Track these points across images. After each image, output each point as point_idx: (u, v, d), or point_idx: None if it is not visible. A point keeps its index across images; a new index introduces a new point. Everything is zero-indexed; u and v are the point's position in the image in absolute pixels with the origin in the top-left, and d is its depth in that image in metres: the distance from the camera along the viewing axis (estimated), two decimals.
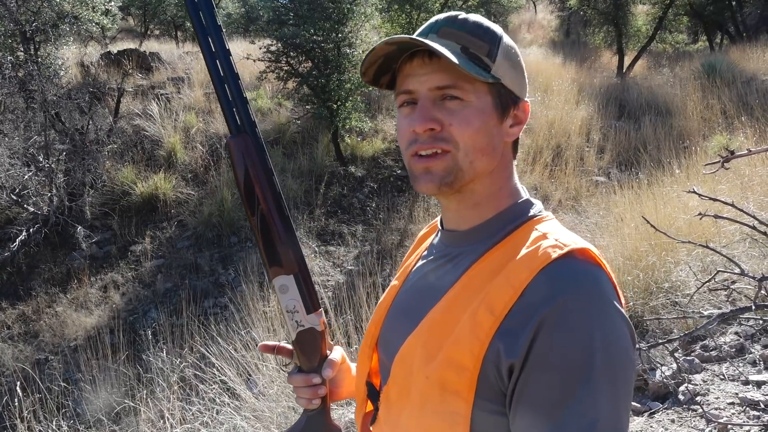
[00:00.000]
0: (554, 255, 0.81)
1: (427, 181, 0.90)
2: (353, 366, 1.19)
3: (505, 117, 0.91)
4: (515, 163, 0.99)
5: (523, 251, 0.84)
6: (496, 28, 0.92)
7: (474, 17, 0.91)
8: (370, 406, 1.05)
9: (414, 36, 0.89)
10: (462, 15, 0.91)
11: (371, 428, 1.02)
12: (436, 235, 1.05)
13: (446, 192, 0.91)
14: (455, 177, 0.89)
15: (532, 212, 0.93)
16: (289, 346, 1.14)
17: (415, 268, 1.05)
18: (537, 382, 0.76)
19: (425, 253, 1.06)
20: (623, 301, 0.84)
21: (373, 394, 1.02)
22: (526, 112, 0.95)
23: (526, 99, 0.95)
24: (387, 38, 0.87)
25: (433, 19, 0.92)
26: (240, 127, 1.00)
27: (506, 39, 0.92)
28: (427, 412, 0.86)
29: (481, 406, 0.81)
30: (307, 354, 1.10)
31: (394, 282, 1.09)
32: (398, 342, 0.94)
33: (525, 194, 0.97)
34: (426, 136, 0.88)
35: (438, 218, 1.08)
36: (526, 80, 0.96)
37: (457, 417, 0.82)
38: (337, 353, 1.14)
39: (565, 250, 0.82)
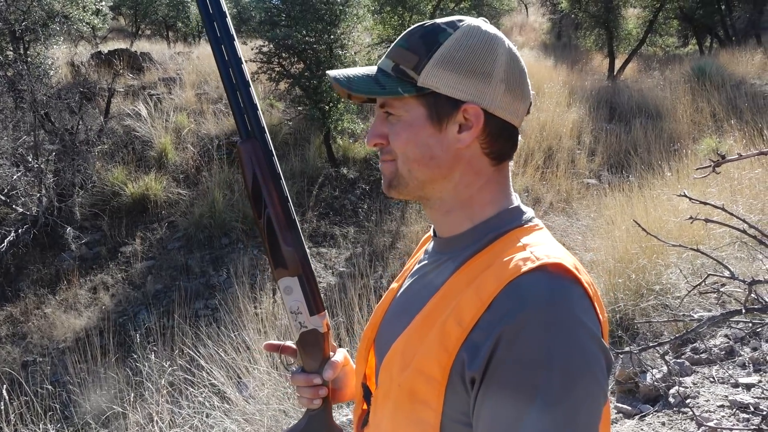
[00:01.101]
0: (524, 268, 0.79)
1: (383, 183, 0.98)
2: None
3: (443, 125, 0.89)
4: (511, 169, 0.97)
5: (497, 262, 0.83)
6: (444, 35, 0.89)
7: (430, 24, 0.92)
8: (365, 407, 1.06)
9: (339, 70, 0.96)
10: (418, 26, 0.93)
11: (363, 430, 1.03)
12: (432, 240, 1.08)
13: (395, 194, 0.97)
14: (398, 181, 0.94)
15: (517, 222, 0.92)
16: (294, 346, 1.16)
17: (412, 271, 1.07)
18: (493, 398, 0.75)
19: (422, 257, 1.07)
20: (602, 318, 0.81)
21: (368, 396, 1.04)
22: (475, 115, 0.89)
23: (473, 103, 0.89)
24: (330, 72, 0.94)
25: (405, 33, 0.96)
26: (250, 132, 1.03)
27: (455, 44, 0.89)
28: (399, 419, 0.87)
29: (451, 416, 0.82)
30: (310, 355, 1.12)
31: (393, 285, 1.11)
32: (388, 346, 0.95)
33: (515, 202, 0.96)
34: (377, 149, 0.96)
35: None
36: (483, 84, 0.89)
37: (426, 426, 0.83)
38: (339, 355, 1.16)
39: (537, 263, 0.79)
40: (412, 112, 0.91)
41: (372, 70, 0.94)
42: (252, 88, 1.02)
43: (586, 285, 0.81)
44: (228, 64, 1.01)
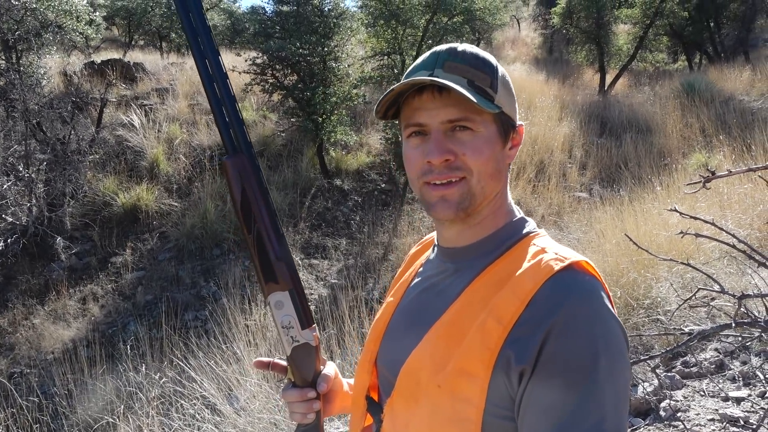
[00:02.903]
0: (557, 267, 0.87)
1: (444, 208, 0.95)
2: (345, 381, 1.22)
3: (506, 141, 0.98)
4: (509, 180, 1.05)
5: (525, 264, 0.90)
6: (492, 59, 0.98)
7: (470, 48, 0.97)
8: (369, 420, 1.07)
9: (418, 72, 0.95)
10: (460, 47, 0.96)
11: None
12: (433, 251, 1.10)
13: (462, 217, 0.96)
14: (470, 202, 0.95)
15: (527, 229, 1.00)
16: (284, 363, 1.16)
17: (412, 284, 1.09)
18: (546, 386, 0.81)
19: (421, 269, 1.09)
20: (615, 308, 0.90)
21: (374, 407, 1.05)
22: (521, 134, 1.02)
23: (520, 123, 1.02)
24: (406, 79, 0.93)
25: (433, 52, 0.97)
26: (236, 147, 1.02)
27: (500, 68, 0.98)
28: (438, 420, 0.89)
29: (491, 412, 0.86)
30: (302, 369, 1.12)
31: (389, 299, 1.12)
32: (402, 355, 0.97)
33: (519, 213, 1.04)
34: (442, 167, 0.94)
35: (430, 236, 1.15)
36: (517, 105, 1.02)
37: (468, 424, 0.86)
38: (330, 368, 1.17)
39: (566, 263, 0.88)
40: (489, 128, 0.95)
41: (455, 81, 0.92)
42: (237, 104, 1.02)
43: (602, 280, 0.90)
44: (213, 78, 1.00)
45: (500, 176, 0.98)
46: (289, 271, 1.05)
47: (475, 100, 0.89)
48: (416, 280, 1.08)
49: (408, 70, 0.99)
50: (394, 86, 0.94)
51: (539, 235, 0.98)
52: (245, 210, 1.02)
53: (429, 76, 0.92)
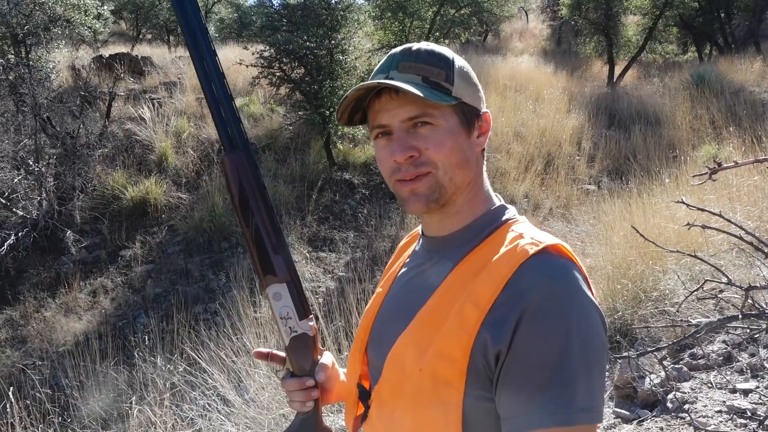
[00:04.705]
0: (531, 251, 0.90)
1: (414, 201, 0.99)
2: (341, 371, 1.25)
3: (471, 130, 1.01)
4: (485, 168, 1.07)
5: (503, 250, 0.93)
6: (447, 52, 1.01)
7: (425, 46, 1.00)
8: (361, 408, 1.10)
9: (376, 76, 1.00)
10: (415, 46, 1.00)
11: (363, 427, 1.08)
12: (418, 242, 1.14)
13: (433, 208, 1.00)
14: (440, 194, 0.98)
15: (506, 216, 1.03)
16: (282, 354, 1.19)
17: (399, 274, 1.13)
18: (520, 366, 0.84)
19: (408, 260, 1.14)
20: (593, 291, 0.92)
21: (364, 395, 1.08)
22: (488, 121, 1.04)
23: (485, 110, 1.04)
24: (356, 85, 0.97)
25: (389, 55, 1.01)
26: (234, 144, 1.06)
27: (458, 60, 1.01)
28: (421, 403, 0.92)
29: (471, 394, 0.88)
30: (300, 359, 1.15)
31: (378, 289, 1.17)
32: (389, 343, 1.00)
33: (498, 200, 1.07)
34: (408, 163, 0.97)
35: (418, 228, 1.18)
36: (482, 92, 1.05)
37: (449, 406, 0.89)
38: (327, 358, 1.20)
39: (540, 246, 0.91)
40: (449, 120, 0.97)
41: (410, 80, 0.96)
42: (234, 101, 1.06)
43: (579, 263, 0.93)
44: (210, 78, 1.03)
45: (468, 165, 1.00)
46: (286, 264, 1.09)
47: (423, 95, 0.92)
48: (403, 270, 1.12)
49: (371, 74, 1.03)
50: (347, 93, 0.98)
51: (518, 221, 1.01)
52: (243, 205, 1.06)
53: (385, 77, 0.97)
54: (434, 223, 1.05)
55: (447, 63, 0.98)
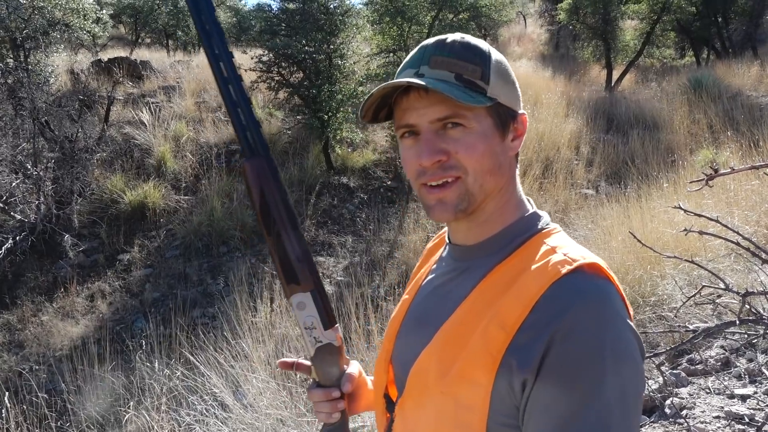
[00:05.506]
0: (563, 270, 0.82)
1: (442, 210, 0.92)
2: (369, 379, 1.21)
3: (506, 133, 0.93)
4: (518, 173, 1.00)
5: (533, 266, 0.86)
6: (484, 45, 0.93)
7: (460, 38, 0.92)
8: (388, 417, 1.07)
9: (405, 71, 0.92)
10: (449, 38, 0.92)
11: None
12: (444, 248, 1.08)
13: (461, 218, 0.93)
14: (468, 202, 0.92)
15: (539, 225, 0.95)
16: (308, 363, 1.16)
17: (425, 281, 1.07)
18: (549, 395, 0.78)
19: (434, 266, 1.08)
20: (632, 314, 0.85)
21: (391, 406, 1.04)
22: (524, 123, 0.96)
23: (522, 111, 0.96)
24: (384, 83, 0.90)
25: (421, 47, 0.94)
26: (254, 149, 1.00)
27: (495, 54, 0.93)
28: (443, 424, 0.88)
29: (495, 420, 0.83)
30: (326, 369, 1.11)
31: (405, 296, 1.11)
32: (412, 355, 0.96)
33: (531, 207, 0.99)
34: (435, 167, 0.90)
35: (445, 230, 1.10)
36: (519, 91, 0.97)
37: (471, 430, 0.85)
38: (354, 367, 1.16)
39: (574, 265, 0.83)
40: (483, 122, 0.90)
41: (441, 77, 0.88)
42: (252, 105, 1.01)
43: (617, 282, 0.85)
44: (228, 80, 0.99)
45: (501, 171, 0.93)
46: (310, 272, 1.04)
47: (456, 98, 0.85)
48: (429, 277, 1.07)
49: (400, 67, 0.96)
50: (373, 90, 0.91)
51: (552, 232, 0.94)
52: (264, 212, 1.01)
53: (415, 73, 0.90)
54: (461, 231, 0.98)
55: (483, 58, 0.90)
